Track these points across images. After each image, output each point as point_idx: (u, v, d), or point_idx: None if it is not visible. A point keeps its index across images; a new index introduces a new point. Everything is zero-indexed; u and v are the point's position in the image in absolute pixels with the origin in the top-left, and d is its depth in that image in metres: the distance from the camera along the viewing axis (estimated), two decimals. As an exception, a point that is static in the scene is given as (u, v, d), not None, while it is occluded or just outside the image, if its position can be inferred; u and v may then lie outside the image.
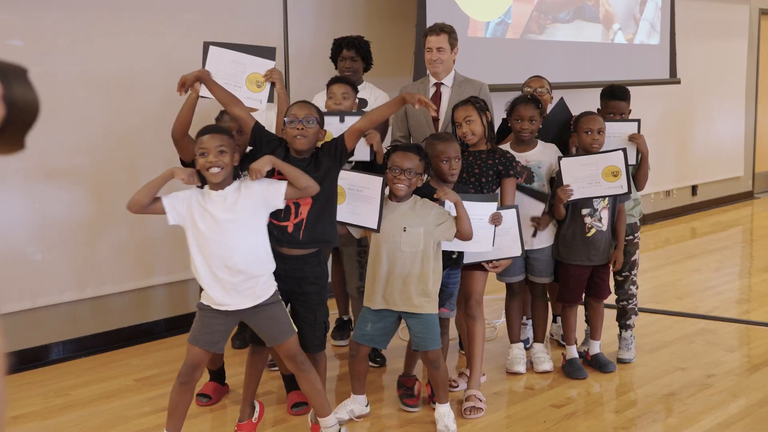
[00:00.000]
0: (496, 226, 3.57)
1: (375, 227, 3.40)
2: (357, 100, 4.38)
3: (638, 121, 4.17)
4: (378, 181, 3.41)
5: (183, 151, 3.49)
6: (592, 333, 4.26)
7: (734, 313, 5.24)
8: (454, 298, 3.74)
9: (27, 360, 4.40)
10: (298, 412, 3.66)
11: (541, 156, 4.04)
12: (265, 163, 3.06)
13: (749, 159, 9.81)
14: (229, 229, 3.00)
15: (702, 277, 6.22)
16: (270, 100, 3.67)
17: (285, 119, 3.28)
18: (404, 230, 3.40)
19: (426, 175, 3.47)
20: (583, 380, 4.07)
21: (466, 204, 3.45)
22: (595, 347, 4.25)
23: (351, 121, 3.75)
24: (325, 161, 3.29)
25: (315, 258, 3.32)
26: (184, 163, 3.48)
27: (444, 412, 3.52)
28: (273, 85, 3.62)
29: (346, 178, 3.44)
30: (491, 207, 3.57)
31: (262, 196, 3.05)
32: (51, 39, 4.37)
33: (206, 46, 3.57)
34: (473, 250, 3.62)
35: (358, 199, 3.42)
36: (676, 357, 4.40)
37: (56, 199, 4.44)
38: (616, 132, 4.10)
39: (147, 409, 3.78)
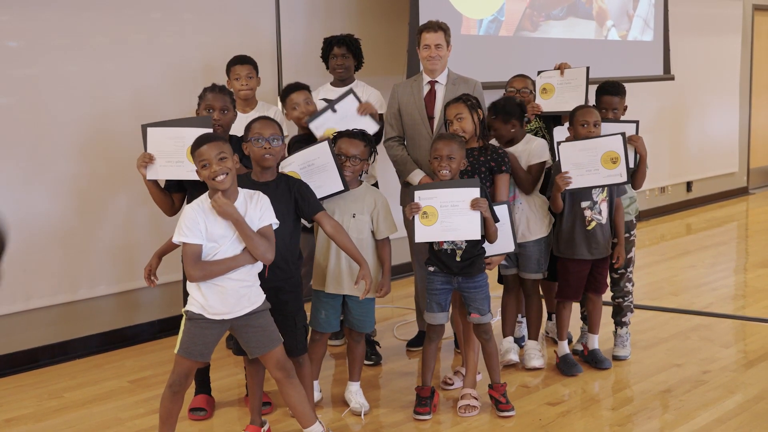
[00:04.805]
0: (480, 211, 3.47)
1: (342, 188, 3.49)
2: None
3: (636, 122, 4.15)
4: (324, 146, 3.50)
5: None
6: (591, 327, 4.25)
7: (730, 309, 5.24)
8: (479, 303, 3.64)
9: (20, 362, 4.38)
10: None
11: (525, 148, 4.05)
12: (228, 215, 2.97)
13: (744, 155, 9.81)
14: (234, 245, 3.00)
15: (697, 273, 6.22)
16: None
17: (251, 137, 3.28)
18: (353, 216, 3.52)
19: (371, 161, 3.66)
20: (578, 378, 4.07)
21: (447, 191, 3.48)
22: (594, 341, 4.24)
23: (343, 107, 3.83)
24: (296, 203, 3.31)
25: (289, 279, 3.36)
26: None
27: (355, 390, 3.75)
28: None
29: (293, 162, 3.53)
30: (472, 192, 3.48)
31: (257, 218, 3.06)
32: (47, 39, 4.35)
33: (144, 129, 3.47)
34: (457, 238, 3.55)
35: (314, 173, 3.50)
36: (672, 353, 4.40)
37: (49, 201, 4.42)
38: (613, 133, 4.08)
39: (141, 411, 3.76)
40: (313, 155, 3.50)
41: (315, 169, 3.50)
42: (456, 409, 3.71)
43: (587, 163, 3.85)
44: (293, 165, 3.53)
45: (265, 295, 3.14)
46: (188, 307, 3.07)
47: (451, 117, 3.81)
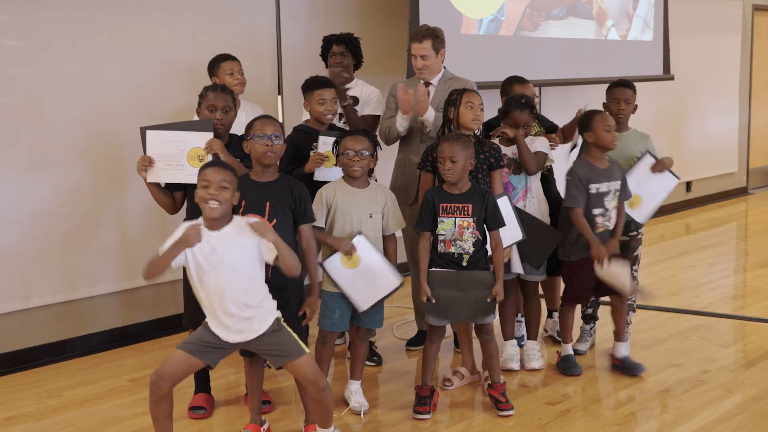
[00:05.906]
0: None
1: (362, 308, 3.58)
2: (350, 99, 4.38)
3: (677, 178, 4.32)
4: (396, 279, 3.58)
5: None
6: (618, 335, 4.15)
7: (729, 308, 5.24)
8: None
9: (20, 361, 4.38)
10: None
11: (530, 140, 4.07)
12: (269, 237, 2.96)
13: (743, 155, 9.81)
14: (225, 271, 2.96)
15: (697, 273, 6.22)
16: None
17: (252, 134, 3.28)
18: (370, 216, 3.54)
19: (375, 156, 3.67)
20: (577, 377, 4.07)
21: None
22: (622, 349, 4.13)
23: None
24: (298, 205, 3.32)
25: (291, 279, 3.33)
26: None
27: (355, 389, 3.75)
28: (216, 156, 3.43)
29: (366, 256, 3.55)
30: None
31: (256, 248, 3.01)
32: (46, 38, 4.35)
33: (143, 132, 3.48)
34: None
35: (365, 277, 3.54)
36: (671, 353, 4.40)
37: (49, 199, 4.42)
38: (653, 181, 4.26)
39: (141, 410, 3.76)
40: (379, 271, 3.58)
41: (367, 276, 3.56)
42: (453, 408, 3.72)
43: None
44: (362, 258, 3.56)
45: (275, 317, 3.09)
46: (207, 320, 3.07)
47: (476, 104, 3.80)
